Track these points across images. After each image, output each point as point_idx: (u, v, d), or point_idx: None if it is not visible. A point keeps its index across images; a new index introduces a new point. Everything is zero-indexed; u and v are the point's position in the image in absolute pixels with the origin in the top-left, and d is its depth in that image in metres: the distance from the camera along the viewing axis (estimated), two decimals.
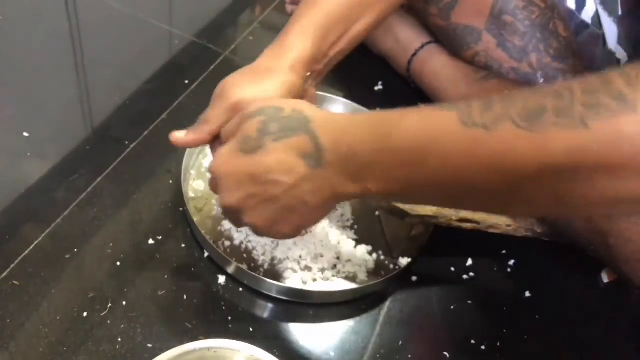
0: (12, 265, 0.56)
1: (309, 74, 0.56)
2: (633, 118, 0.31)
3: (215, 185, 0.49)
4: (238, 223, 0.50)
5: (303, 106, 0.46)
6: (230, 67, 0.82)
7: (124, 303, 0.55)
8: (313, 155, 0.43)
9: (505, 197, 0.38)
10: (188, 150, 0.64)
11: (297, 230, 0.48)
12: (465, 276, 0.64)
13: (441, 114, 0.39)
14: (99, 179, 0.64)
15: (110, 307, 0.55)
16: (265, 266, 0.60)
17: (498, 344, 0.59)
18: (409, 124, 0.40)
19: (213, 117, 0.52)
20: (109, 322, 0.54)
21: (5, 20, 0.81)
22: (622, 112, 0.32)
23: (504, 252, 0.67)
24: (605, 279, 0.66)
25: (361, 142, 0.41)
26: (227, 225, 0.62)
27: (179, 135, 0.53)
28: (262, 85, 0.52)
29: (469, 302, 0.62)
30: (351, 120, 0.44)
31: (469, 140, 0.36)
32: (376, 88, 0.82)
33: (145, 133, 0.70)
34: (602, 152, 0.32)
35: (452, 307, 0.61)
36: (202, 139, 0.53)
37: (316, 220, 0.48)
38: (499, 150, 0.35)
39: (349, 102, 0.74)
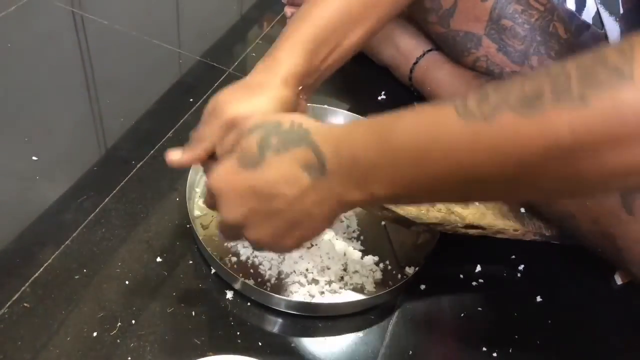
0: (23, 288, 0.57)
1: (300, 87, 0.56)
2: (632, 88, 0.31)
3: (213, 202, 0.48)
4: (236, 238, 0.50)
5: (301, 119, 0.46)
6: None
7: (133, 322, 0.56)
8: (315, 166, 0.42)
9: (513, 185, 0.38)
10: (192, 167, 0.65)
11: (301, 242, 0.48)
12: (474, 283, 0.64)
13: (438, 110, 0.39)
14: (107, 199, 0.65)
15: (120, 326, 0.55)
16: (272, 280, 0.60)
17: (510, 351, 0.58)
18: (408, 123, 0.40)
19: (207, 135, 0.52)
20: (118, 341, 0.54)
21: (14, 46, 0.83)
22: (620, 84, 0.32)
23: (513, 257, 0.66)
24: (619, 280, 0.65)
25: (362, 148, 0.41)
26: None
27: (174, 156, 0.53)
28: (256, 100, 0.52)
29: (479, 309, 0.62)
30: (350, 128, 0.44)
31: (469, 132, 0.36)
32: (379, 98, 0.83)
33: (152, 152, 0.71)
34: (606, 125, 0.32)
35: (462, 315, 0.61)
36: (197, 158, 0.52)
37: (320, 232, 0.47)
38: (501, 139, 0.35)
39: (350, 113, 0.75)
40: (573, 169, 0.34)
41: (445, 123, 0.38)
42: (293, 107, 0.55)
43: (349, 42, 0.59)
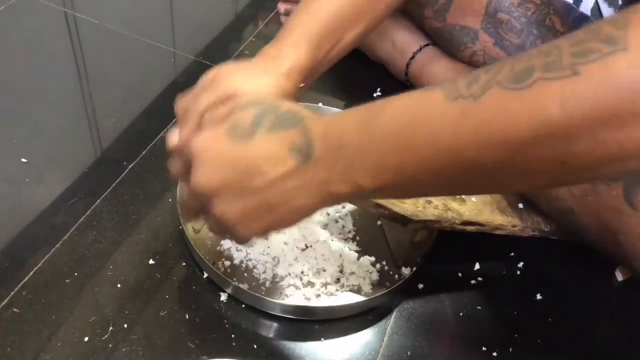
0: (12, 293, 0.56)
1: (302, 85, 0.55)
2: (626, 57, 0.29)
3: (185, 165, 0.45)
4: (196, 214, 0.47)
5: (299, 107, 0.44)
6: None
7: (125, 326, 0.55)
8: (303, 149, 0.41)
9: (503, 170, 0.35)
10: None
11: (268, 230, 0.45)
12: (473, 281, 0.62)
13: (425, 94, 0.37)
14: (98, 201, 0.64)
15: (112, 330, 0.54)
16: (267, 284, 0.58)
17: (510, 350, 0.57)
18: (394, 108, 0.38)
19: (203, 104, 0.48)
20: (110, 345, 0.53)
21: (3, 46, 0.82)
22: (613, 52, 0.30)
23: (512, 254, 0.65)
24: (619, 276, 0.64)
25: (348, 133, 0.39)
26: (226, 244, 0.61)
27: (174, 139, 0.50)
28: (258, 83, 0.51)
29: (478, 307, 0.61)
30: (341, 114, 0.42)
31: (456, 113, 0.34)
32: (375, 94, 0.82)
33: (144, 153, 0.70)
34: (598, 98, 0.30)
35: (461, 314, 0.60)
36: (195, 130, 0.48)
37: (291, 223, 0.44)
38: (489, 116, 0.33)
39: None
40: (565, 150, 0.32)
41: (431, 106, 0.36)
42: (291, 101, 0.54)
43: (351, 36, 0.58)
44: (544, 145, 0.32)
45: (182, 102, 0.52)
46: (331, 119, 0.42)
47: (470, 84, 0.34)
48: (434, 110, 0.36)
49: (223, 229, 0.46)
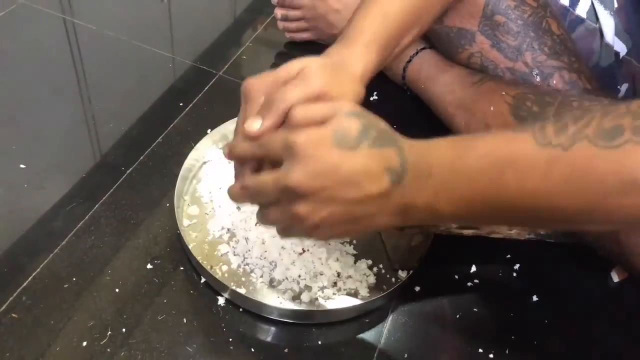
0: (11, 298, 0.56)
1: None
2: None
3: (284, 153, 0.44)
4: (278, 203, 0.45)
5: (389, 126, 0.46)
6: (224, 86, 0.82)
7: (124, 330, 0.55)
8: (397, 171, 0.43)
9: (584, 216, 0.38)
10: (180, 176, 0.64)
11: (340, 236, 0.47)
12: (469, 283, 0.63)
13: (515, 136, 0.40)
14: (96, 206, 0.65)
15: (110, 335, 0.55)
16: (264, 288, 0.59)
17: (507, 351, 0.58)
18: (484, 145, 0.41)
19: (290, 97, 0.47)
20: (109, 350, 0.54)
21: (3, 52, 0.82)
22: None
23: (508, 256, 0.65)
24: (615, 277, 0.64)
25: (438, 165, 0.42)
26: (223, 249, 0.61)
27: (255, 127, 0.47)
28: (344, 88, 0.50)
29: (475, 309, 0.61)
30: (431, 142, 0.44)
31: (545, 160, 0.38)
32: (372, 98, 0.82)
33: (142, 158, 0.70)
34: None
35: (458, 316, 0.60)
36: (279, 122, 0.47)
37: (364, 234, 0.48)
38: (577, 169, 0.37)
39: None
40: None
41: (521, 148, 0.39)
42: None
43: (406, 41, 0.59)
44: (627, 199, 0.36)
45: (257, 85, 0.49)
46: (421, 147, 0.44)
47: (558, 132, 0.38)
48: (524, 152, 0.39)
49: (294, 228, 0.46)
